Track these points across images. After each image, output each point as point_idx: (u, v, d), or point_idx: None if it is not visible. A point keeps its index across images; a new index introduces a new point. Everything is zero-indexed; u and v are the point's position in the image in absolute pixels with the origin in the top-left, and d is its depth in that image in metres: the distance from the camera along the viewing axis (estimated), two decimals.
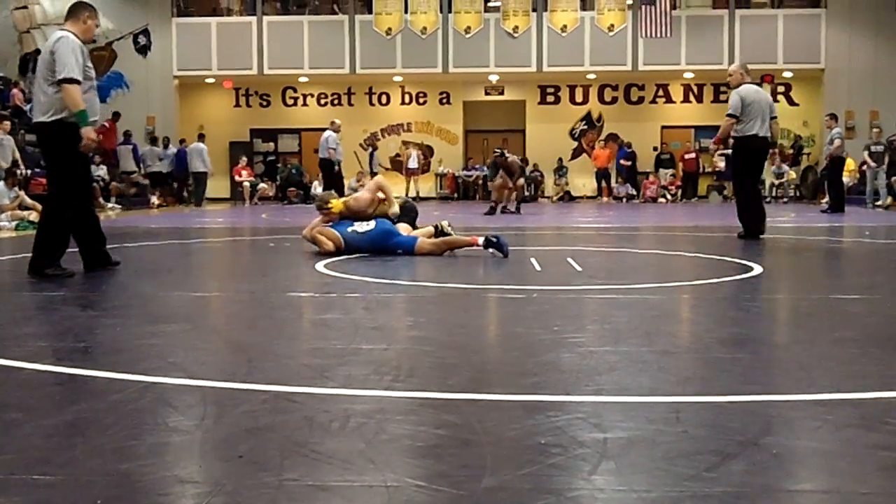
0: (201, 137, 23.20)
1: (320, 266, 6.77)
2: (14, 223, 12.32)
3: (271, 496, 1.95)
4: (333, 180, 18.04)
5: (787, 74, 24.54)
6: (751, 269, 6.49)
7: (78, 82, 6.10)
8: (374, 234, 7.72)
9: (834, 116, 17.72)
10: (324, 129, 26.33)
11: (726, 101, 25.74)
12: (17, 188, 13.13)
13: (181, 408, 2.72)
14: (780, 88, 25.44)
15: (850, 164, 20.36)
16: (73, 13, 6.46)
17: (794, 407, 2.72)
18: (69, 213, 6.30)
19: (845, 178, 18.74)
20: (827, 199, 17.82)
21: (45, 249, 6.22)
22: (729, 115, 9.80)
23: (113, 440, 2.37)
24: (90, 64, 6.40)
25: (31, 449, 2.31)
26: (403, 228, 8.06)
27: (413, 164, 25.65)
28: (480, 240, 7.71)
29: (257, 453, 2.26)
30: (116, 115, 22.55)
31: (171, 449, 2.33)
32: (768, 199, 22.99)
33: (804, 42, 23.47)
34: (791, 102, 25.62)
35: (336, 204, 7.94)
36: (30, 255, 6.32)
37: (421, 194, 25.95)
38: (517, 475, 2.08)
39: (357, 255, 7.55)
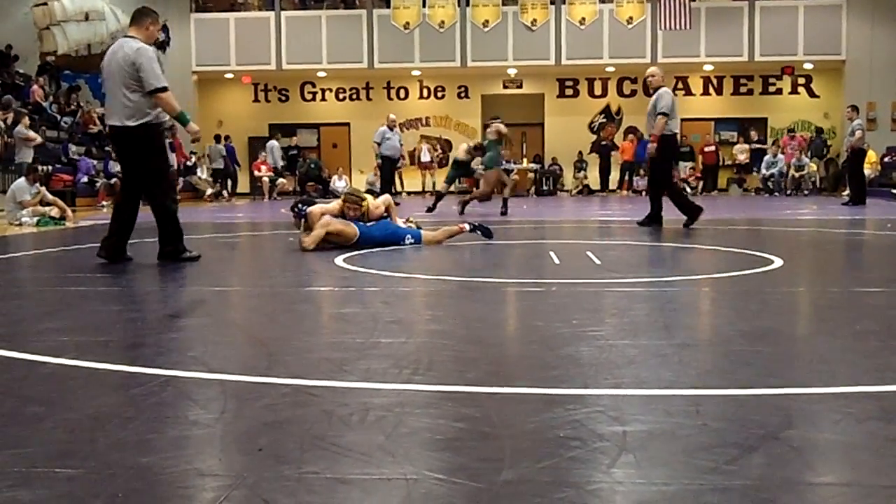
0: (278, 137, 24.29)
1: (339, 261, 6.78)
2: (35, 219, 12.41)
3: (291, 489, 1.96)
4: (383, 175, 17.91)
5: (808, 66, 24.36)
6: (771, 261, 6.46)
7: (167, 89, 6.59)
8: (382, 228, 7.90)
9: (855, 108, 17.57)
10: (342, 124, 26.63)
11: (746, 94, 25.94)
12: (38, 184, 13.22)
13: (202, 401, 2.74)
14: (801, 80, 25.28)
15: (871, 155, 20.19)
16: (136, 20, 6.85)
17: (815, 400, 2.70)
18: (173, 204, 6.90)
19: (866, 170, 18.58)
20: (848, 191, 17.68)
21: (170, 240, 6.77)
22: (663, 114, 10.27)
23: (134, 433, 2.39)
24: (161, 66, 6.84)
25: (53, 442, 2.33)
26: (402, 222, 8.40)
27: (425, 157, 25.68)
28: (466, 226, 8.40)
29: (277, 446, 2.27)
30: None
31: (191, 442, 2.34)
32: (789, 192, 22.86)
33: (825, 33, 23.28)
34: (812, 94, 25.45)
35: (366, 205, 7.96)
36: (57, 249, 6.44)
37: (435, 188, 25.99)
38: (536, 468, 2.08)
39: (373, 249, 7.57)
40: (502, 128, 14.39)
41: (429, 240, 8.06)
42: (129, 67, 6.52)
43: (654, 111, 10.39)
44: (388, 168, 18.01)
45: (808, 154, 23.83)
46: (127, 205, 6.81)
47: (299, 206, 8.09)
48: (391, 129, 17.84)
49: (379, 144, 17.79)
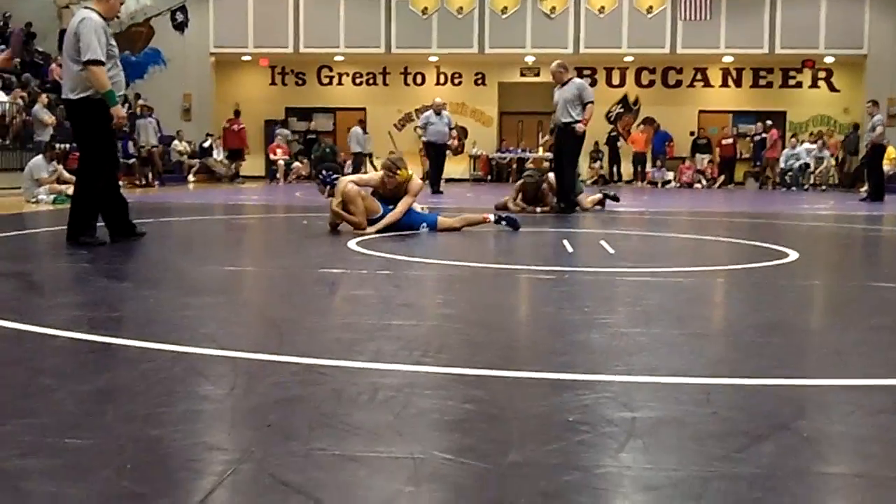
0: (361, 123, 24.11)
1: (353, 244, 6.79)
2: (52, 197, 12.47)
3: (299, 464, 1.96)
4: (431, 161, 17.36)
5: (829, 60, 24.14)
6: (787, 255, 6.42)
7: (102, 63, 6.28)
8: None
9: (876, 103, 17.41)
10: (359, 109, 26.57)
11: (766, 86, 25.69)
12: (55, 162, 13.28)
13: (212, 377, 2.74)
14: (822, 74, 25.07)
15: (891, 151, 20.01)
16: None
17: (827, 391, 2.69)
18: (99, 184, 6.52)
19: (886, 167, 18.43)
20: (866, 187, 17.55)
21: (79, 219, 6.46)
22: (591, 102, 11.14)
23: (144, 407, 2.40)
24: (113, 42, 6.57)
25: (63, 413, 2.34)
26: (418, 207, 8.30)
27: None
28: (491, 217, 8.25)
29: (286, 423, 2.27)
30: (237, 112, 23.73)
31: (200, 417, 2.35)
32: (806, 187, 22.70)
33: (847, 27, 23.04)
34: (832, 88, 25.23)
35: (403, 174, 7.86)
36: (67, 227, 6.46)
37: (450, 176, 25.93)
38: (544, 451, 2.07)
39: (388, 233, 7.56)
40: None
41: (445, 226, 8.00)
42: (72, 38, 6.38)
43: (576, 100, 11.07)
44: (434, 154, 17.28)
45: (842, 149, 23.56)
46: (105, 182, 6.64)
47: (326, 172, 7.89)
48: (437, 113, 17.10)
49: (424, 129, 17.38)
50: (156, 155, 20.50)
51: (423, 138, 17.37)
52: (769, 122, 24.34)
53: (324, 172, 7.87)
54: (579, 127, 11.00)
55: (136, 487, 1.83)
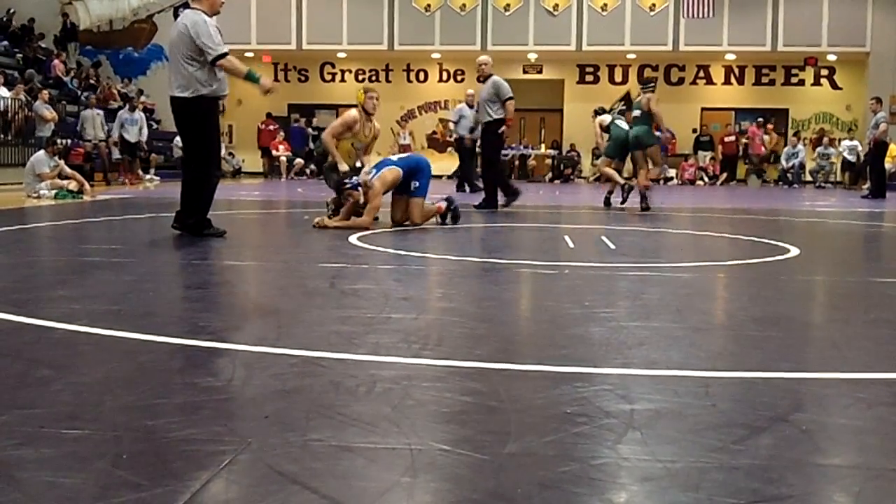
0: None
1: (353, 238, 6.78)
2: (53, 192, 12.47)
3: (296, 455, 1.96)
4: (461, 156, 16.70)
5: (831, 57, 24.10)
6: (788, 250, 6.41)
7: (227, 54, 6.62)
8: (406, 161, 8.17)
9: (879, 100, 17.37)
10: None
11: (768, 84, 25.57)
12: (56, 157, 13.28)
13: (210, 369, 2.75)
14: (824, 71, 25.02)
15: (893, 149, 19.98)
16: None
17: (826, 384, 2.68)
18: (215, 178, 6.93)
19: (887, 164, 18.39)
20: (868, 184, 17.52)
21: (198, 210, 6.81)
22: (511, 98, 10.83)
23: (141, 398, 2.39)
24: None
25: (60, 404, 2.34)
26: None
27: (404, 140, 25.38)
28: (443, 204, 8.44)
29: (283, 414, 2.27)
30: (269, 114, 24.75)
31: (198, 408, 2.34)
32: (818, 185, 22.63)
33: (849, 24, 23.00)
34: (834, 86, 25.18)
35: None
36: (73, 221, 6.47)
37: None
38: (541, 442, 2.07)
39: (391, 229, 7.55)
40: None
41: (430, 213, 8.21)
42: (186, 39, 6.59)
43: (497, 97, 10.85)
44: (464, 150, 16.53)
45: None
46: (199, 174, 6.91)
47: (354, 182, 7.72)
48: (471, 106, 16.29)
49: (456, 123, 16.84)
50: (102, 149, 18.51)
51: (455, 134, 17.03)
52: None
53: (352, 181, 7.67)
54: (504, 129, 10.99)
55: (133, 477, 1.82)
